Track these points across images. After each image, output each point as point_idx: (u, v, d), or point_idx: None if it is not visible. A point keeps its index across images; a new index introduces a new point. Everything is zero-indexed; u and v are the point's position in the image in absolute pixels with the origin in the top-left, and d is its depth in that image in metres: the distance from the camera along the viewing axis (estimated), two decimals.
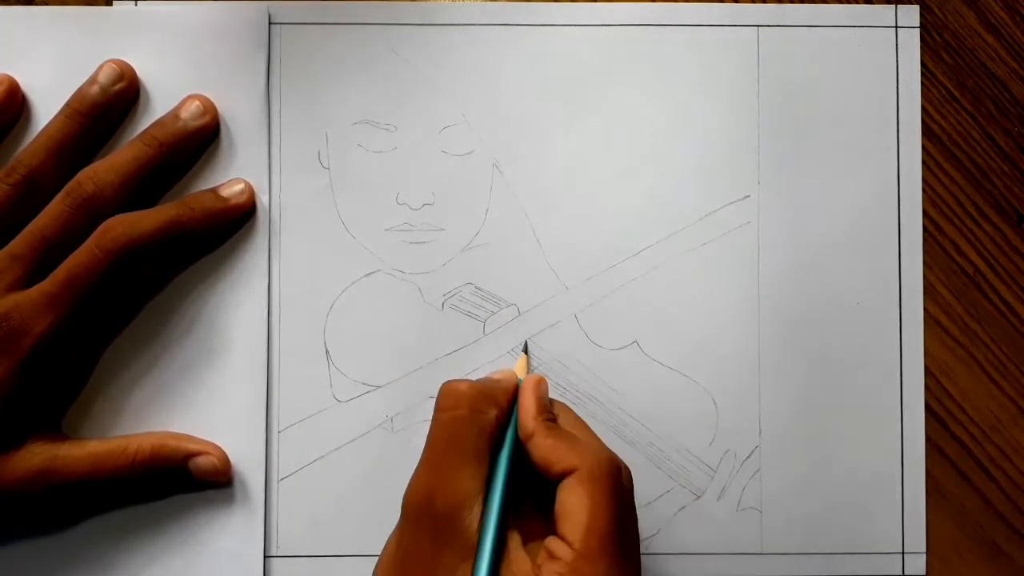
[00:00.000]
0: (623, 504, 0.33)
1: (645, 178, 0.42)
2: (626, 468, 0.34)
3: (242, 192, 0.41)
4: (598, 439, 0.36)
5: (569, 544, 0.32)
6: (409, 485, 0.34)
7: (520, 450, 0.34)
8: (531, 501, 0.35)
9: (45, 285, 0.38)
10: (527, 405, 0.35)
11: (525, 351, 0.40)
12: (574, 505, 0.32)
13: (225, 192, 0.41)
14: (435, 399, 0.35)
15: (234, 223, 0.41)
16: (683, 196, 0.42)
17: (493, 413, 0.35)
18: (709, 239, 0.42)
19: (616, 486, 0.33)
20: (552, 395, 0.41)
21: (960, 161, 0.43)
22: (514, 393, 0.36)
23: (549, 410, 0.36)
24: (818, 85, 0.42)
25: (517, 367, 0.38)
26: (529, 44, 0.42)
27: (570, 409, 0.37)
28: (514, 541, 0.33)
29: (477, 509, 0.33)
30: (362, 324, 0.42)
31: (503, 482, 0.34)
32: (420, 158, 0.42)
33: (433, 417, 0.35)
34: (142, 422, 0.41)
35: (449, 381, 0.35)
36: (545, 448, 0.34)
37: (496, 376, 0.37)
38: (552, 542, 0.32)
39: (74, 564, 0.40)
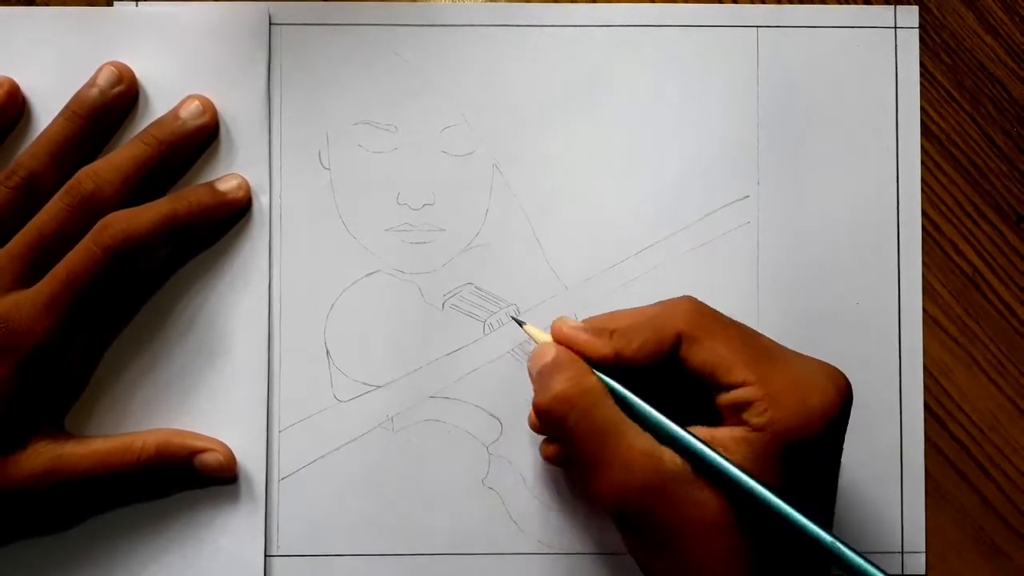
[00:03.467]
0: (731, 321, 0.35)
1: (645, 178, 0.42)
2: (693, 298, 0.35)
3: (238, 187, 0.41)
4: (642, 307, 0.36)
5: (743, 384, 0.33)
6: (603, 497, 0.33)
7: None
8: None
9: (44, 284, 0.38)
10: (585, 341, 0.35)
11: (520, 323, 0.39)
12: (711, 356, 0.33)
13: (222, 187, 0.41)
14: (540, 415, 0.35)
15: (231, 218, 0.41)
16: (683, 196, 0.42)
17: (592, 379, 0.34)
18: (709, 239, 0.42)
19: (715, 313, 0.35)
20: None
21: (959, 161, 0.43)
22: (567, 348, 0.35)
23: (599, 326, 0.35)
24: (818, 85, 0.42)
25: (535, 336, 0.37)
26: (529, 44, 0.42)
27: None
28: (704, 433, 0.33)
29: (666, 452, 0.33)
30: (362, 324, 0.42)
31: (650, 406, 0.34)
32: (420, 158, 0.42)
33: (561, 434, 0.34)
34: (143, 421, 0.41)
35: (536, 399, 0.35)
36: (639, 348, 0.34)
37: (545, 358, 0.36)
38: (728, 396, 0.33)
39: (75, 562, 0.40)
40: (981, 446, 0.42)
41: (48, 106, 0.41)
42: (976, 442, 0.42)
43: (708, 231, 0.42)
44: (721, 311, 0.36)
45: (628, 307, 0.40)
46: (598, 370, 0.35)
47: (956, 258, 0.43)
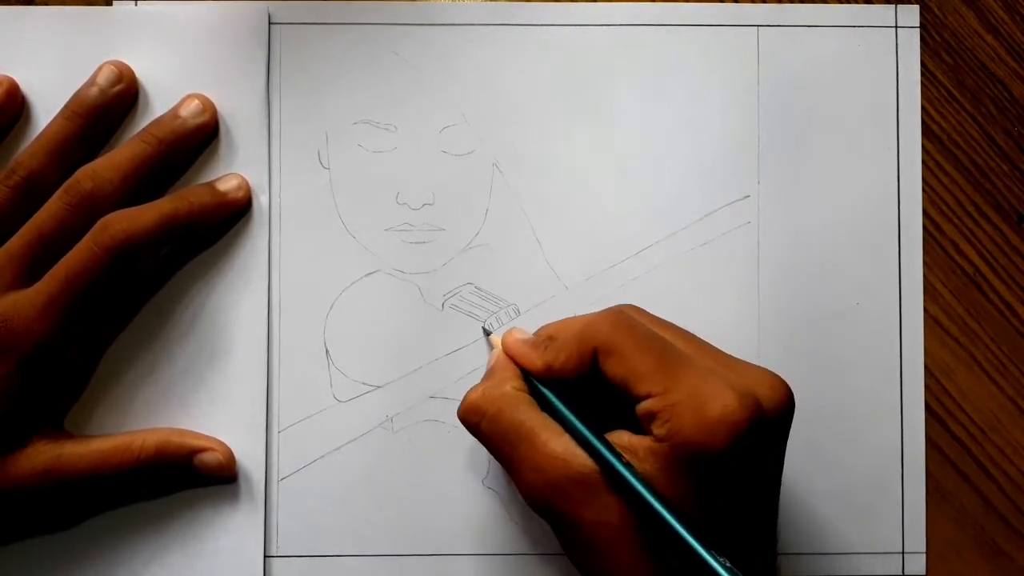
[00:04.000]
0: (646, 330, 0.35)
1: (645, 178, 0.42)
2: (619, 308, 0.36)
3: (239, 187, 0.41)
4: (587, 315, 0.37)
5: (647, 396, 0.33)
6: (522, 497, 0.34)
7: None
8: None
9: (44, 284, 0.37)
10: (520, 353, 0.36)
11: (487, 333, 0.41)
12: (619, 369, 0.34)
13: (222, 186, 0.40)
14: (462, 422, 0.36)
15: (231, 217, 0.41)
16: (683, 196, 0.42)
17: (508, 387, 0.36)
18: (709, 239, 0.42)
19: (631, 324, 0.35)
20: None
21: (960, 161, 0.43)
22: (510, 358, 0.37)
23: (542, 336, 0.37)
24: (818, 85, 0.42)
25: (493, 343, 0.39)
26: (529, 44, 0.42)
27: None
28: (623, 438, 0.34)
29: (579, 455, 0.33)
30: (362, 324, 0.42)
31: (569, 412, 0.35)
32: (420, 158, 0.42)
33: (477, 438, 0.36)
34: (143, 420, 0.41)
35: (460, 406, 0.36)
36: (564, 361, 0.35)
37: (490, 363, 0.38)
38: (638, 409, 0.33)
39: (74, 562, 0.40)
40: (982, 446, 0.42)
41: (48, 105, 0.41)
42: (977, 442, 0.42)
43: (708, 231, 0.42)
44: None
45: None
46: (538, 380, 0.36)
47: (957, 258, 0.42)
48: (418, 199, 0.42)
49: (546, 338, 0.36)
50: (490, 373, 0.37)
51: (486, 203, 0.42)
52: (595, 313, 0.36)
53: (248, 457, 0.41)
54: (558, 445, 0.34)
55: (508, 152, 0.42)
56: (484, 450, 0.41)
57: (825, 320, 0.42)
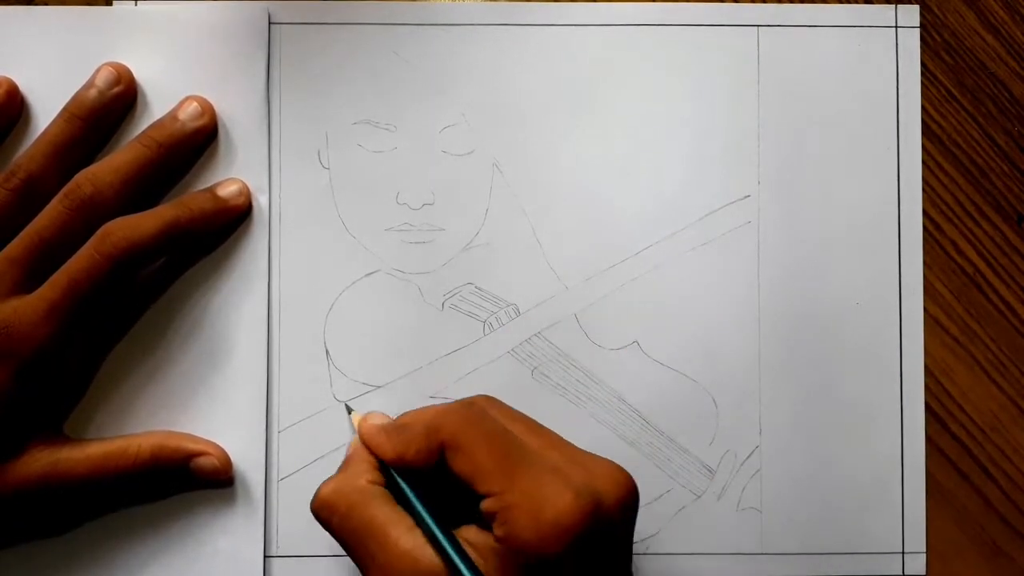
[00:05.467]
0: (494, 426, 0.34)
1: (645, 178, 0.42)
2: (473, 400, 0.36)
3: (239, 193, 0.41)
4: (441, 405, 0.36)
5: (488, 494, 0.32)
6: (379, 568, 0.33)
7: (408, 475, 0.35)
8: None
9: (45, 291, 0.37)
10: (375, 442, 0.36)
11: (348, 410, 0.41)
12: (464, 467, 0.33)
13: (222, 192, 0.40)
14: (316, 519, 0.35)
15: (232, 223, 0.41)
16: (683, 196, 0.42)
17: (362, 481, 0.35)
18: (709, 239, 0.42)
19: (478, 420, 0.34)
20: (552, 395, 0.41)
21: (960, 161, 0.43)
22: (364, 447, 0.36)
23: (399, 426, 0.36)
24: (818, 85, 0.42)
25: (353, 421, 0.39)
26: (529, 44, 0.42)
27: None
28: (470, 534, 0.33)
29: (426, 552, 0.33)
30: (362, 324, 0.42)
31: (418, 503, 0.34)
32: (420, 158, 0.42)
33: (332, 534, 0.35)
34: (143, 423, 0.41)
35: (315, 497, 0.35)
36: (415, 453, 0.35)
37: (349, 449, 0.37)
38: (482, 507, 0.33)
39: (73, 563, 0.40)
40: (982, 446, 0.42)
41: (47, 106, 0.41)
42: (977, 442, 0.42)
43: (708, 231, 0.42)
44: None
45: (628, 310, 0.40)
46: (393, 470, 0.35)
47: (957, 258, 0.42)
48: (418, 199, 0.42)
49: (399, 426, 0.36)
50: (346, 463, 0.36)
51: (486, 203, 0.42)
52: (447, 404, 0.36)
53: (248, 457, 0.41)
54: (407, 542, 0.33)
55: (508, 152, 0.42)
56: None
57: (825, 320, 0.42)
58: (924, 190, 0.42)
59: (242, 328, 0.41)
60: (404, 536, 0.33)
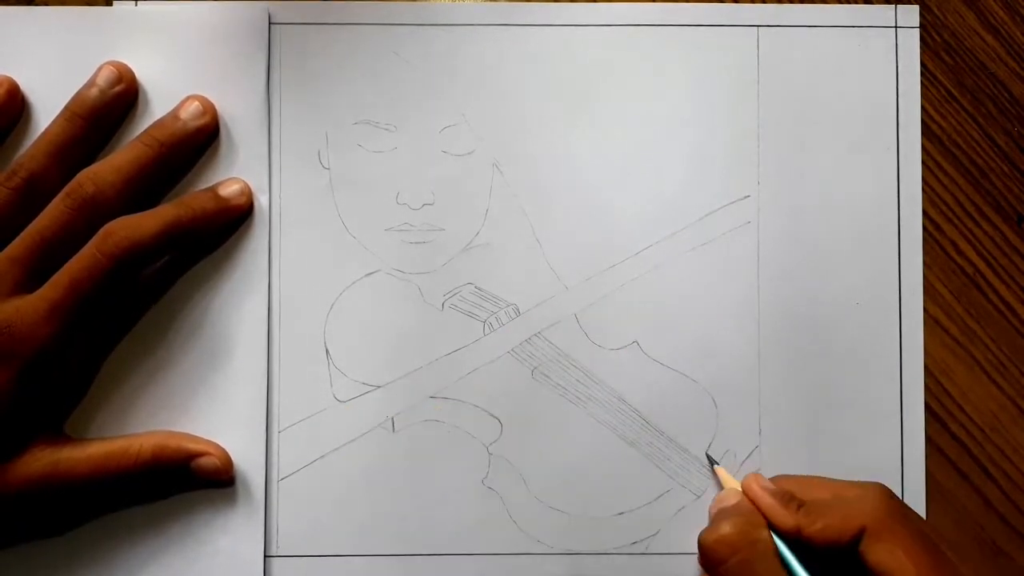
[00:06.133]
0: (921, 526, 0.34)
1: (645, 178, 0.42)
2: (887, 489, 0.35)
3: (241, 193, 0.41)
4: (839, 481, 0.37)
5: None
6: None
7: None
8: None
9: (47, 291, 0.37)
10: (770, 504, 0.36)
11: (712, 462, 0.41)
12: (890, 561, 0.33)
13: (224, 192, 0.40)
14: (703, 553, 0.35)
15: (233, 223, 0.41)
16: (683, 196, 0.42)
17: (765, 534, 0.35)
18: (709, 239, 0.42)
19: (906, 514, 0.34)
20: (552, 395, 0.41)
21: (960, 161, 0.43)
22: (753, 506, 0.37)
23: (788, 493, 0.36)
24: (818, 85, 0.42)
25: (724, 479, 0.39)
26: (529, 44, 0.42)
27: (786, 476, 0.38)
28: None
29: None
30: (362, 324, 0.42)
31: None
32: (420, 158, 0.42)
33: (720, 571, 0.35)
34: (143, 423, 0.41)
35: (705, 532, 0.36)
36: (821, 530, 0.34)
37: (727, 502, 0.38)
38: None
39: (74, 563, 0.40)
40: (982, 446, 0.42)
41: (48, 106, 0.41)
42: (977, 442, 0.42)
43: (708, 231, 0.42)
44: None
45: (628, 310, 0.40)
46: (786, 542, 0.35)
47: (957, 258, 0.42)
48: (418, 199, 0.42)
49: (791, 496, 0.36)
50: (735, 511, 0.36)
51: (486, 203, 0.42)
52: (857, 484, 0.36)
53: (248, 457, 0.41)
54: None
55: (508, 152, 0.42)
56: (484, 450, 0.41)
57: (825, 320, 0.42)
58: (924, 190, 0.42)
59: (242, 328, 0.41)
60: None
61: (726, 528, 0.35)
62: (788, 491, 0.37)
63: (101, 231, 0.38)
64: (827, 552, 0.35)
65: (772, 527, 0.36)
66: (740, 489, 0.38)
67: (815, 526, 0.35)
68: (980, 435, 0.42)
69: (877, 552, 0.33)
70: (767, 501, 0.36)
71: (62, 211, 0.38)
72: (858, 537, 0.34)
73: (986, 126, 0.43)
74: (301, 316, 0.41)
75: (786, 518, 0.35)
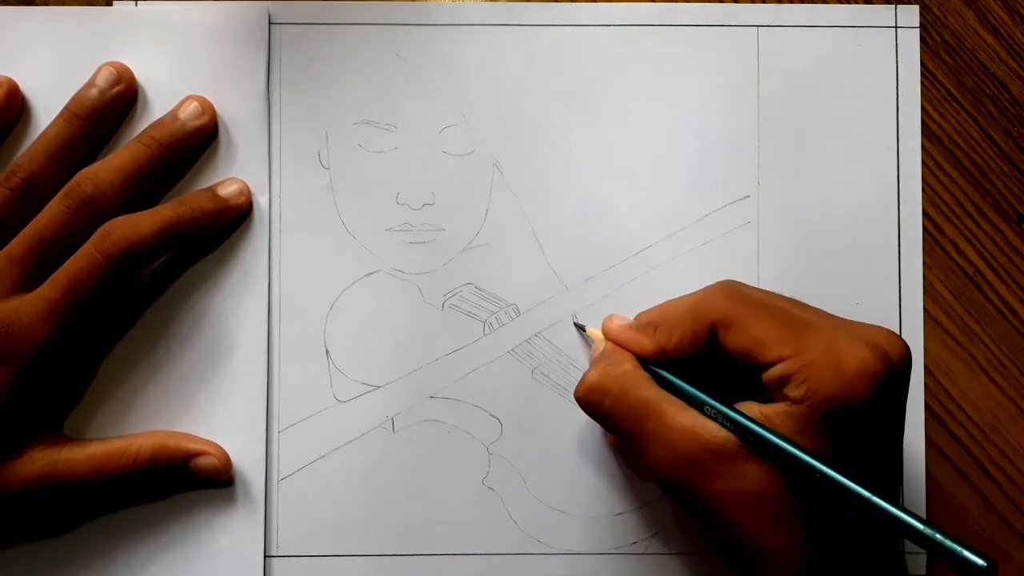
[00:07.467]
0: (763, 296, 0.36)
1: (645, 178, 0.42)
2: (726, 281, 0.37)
3: (240, 193, 0.41)
4: (690, 294, 0.37)
5: (777, 360, 0.33)
6: (649, 473, 0.35)
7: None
8: None
9: (45, 290, 0.37)
10: (628, 338, 0.37)
11: (581, 328, 0.41)
12: (744, 340, 0.34)
13: (223, 192, 0.40)
14: (579, 404, 0.37)
15: (232, 223, 0.41)
16: (683, 196, 0.42)
17: (628, 365, 0.36)
18: (709, 239, 0.42)
19: (744, 294, 0.35)
20: (552, 395, 0.41)
21: (960, 161, 0.43)
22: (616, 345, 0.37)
23: (645, 322, 0.37)
24: (818, 85, 0.42)
25: (592, 337, 0.40)
26: (529, 44, 0.42)
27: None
28: (752, 409, 0.34)
29: (708, 426, 0.34)
30: (362, 324, 0.42)
31: (695, 388, 0.35)
32: (420, 158, 0.42)
33: (599, 418, 0.36)
34: (143, 422, 0.41)
35: (576, 388, 0.37)
36: (677, 342, 0.36)
37: (595, 352, 0.38)
38: (767, 375, 0.34)
39: (73, 563, 0.40)
40: (982, 446, 0.42)
41: (48, 106, 0.41)
42: (977, 442, 0.42)
43: (708, 231, 0.42)
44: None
45: (628, 310, 0.40)
46: (648, 362, 0.36)
47: (957, 258, 0.42)
48: (418, 199, 0.42)
49: (650, 323, 0.37)
50: (602, 356, 0.37)
51: (486, 203, 0.42)
52: (701, 291, 0.37)
53: (248, 457, 0.41)
54: (686, 419, 0.34)
55: (508, 152, 0.42)
56: (484, 450, 0.41)
57: None
58: (924, 190, 0.42)
59: (242, 328, 0.41)
60: (681, 414, 0.34)
61: (591, 375, 0.36)
62: (644, 320, 0.37)
63: (99, 230, 0.38)
64: (701, 358, 0.35)
65: (639, 359, 0.36)
66: (602, 337, 0.38)
67: (673, 340, 0.36)
68: (980, 435, 0.42)
69: (734, 338, 0.34)
70: (626, 335, 0.37)
71: (61, 211, 0.38)
72: (713, 333, 0.35)
73: (986, 126, 0.43)
74: (301, 316, 0.41)
75: (645, 344, 0.36)
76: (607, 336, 0.38)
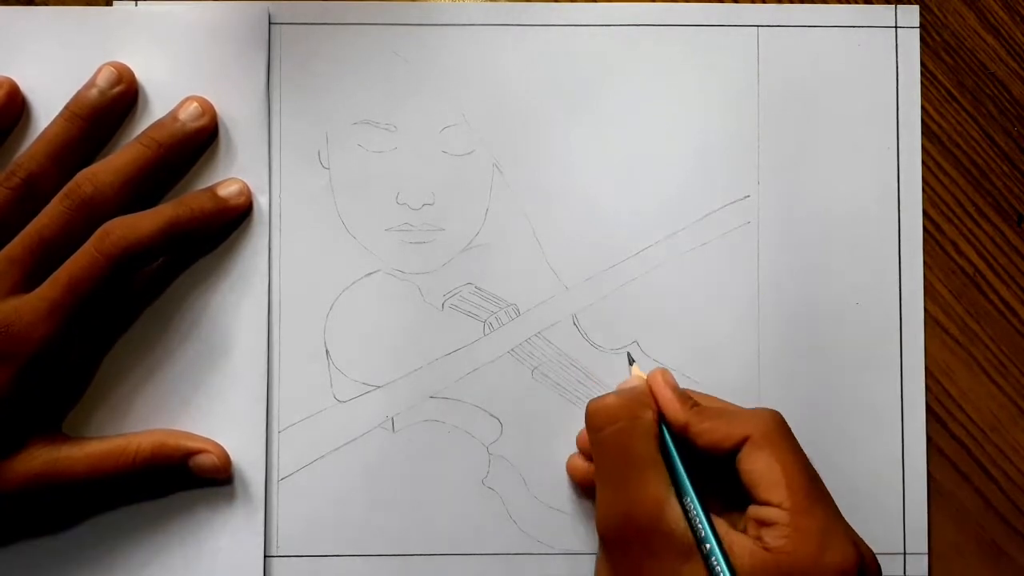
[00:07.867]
0: (801, 450, 0.35)
1: (645, 178, 0.42)
2: (780, 414, 0.36)
3: (239, 193, 0.41)
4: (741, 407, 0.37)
5: (778, 506, 0.33)
6: (599, 513, 0.35)
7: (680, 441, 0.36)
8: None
9: (45, 290, 0.37)
10: (667, 397, 0.37)
11: (631, 360, 0.41)
12: (765, 469, 0.34)
13: (223, 192, 0.40)
14: (586, 420, 0.37)
15: (232, 223, 0.41)
16: (683, 196, 0.42)
17: (649, 414, 0.36)
18: (709, 239, 0.42)
19: (790, 436, 0.35)
20: (552, 395, 0.41)
21: (960, 161, 0.43)
22: (650, 393, 0.37)
23: (688, 395, 0.37)
24: (818, 85, 0.42)
25: (634, 373, 0.40)
26: (529, 44, 0.42)
27: (696, 392, 0.39)
28: (721, 526, 0.34)
29: (675, 510, 0.34)
30: (362, 324, 0.42)
31: (687, 475, 0.35)
32: (420, 158, 0.42)
33: (593, 440, 0.36)
34: (143, 422, 0.41)
35: (593, 400, 0.37)
36: (707, 429, 0.36)
37: (626, 385, 0.39)
38: (758, 510, 0.34)
39: (73, 563, 0.40)
40: (983, 446, 0.42)
41: (48, 106, 0.41)
42: (977, 443, 0.42)
43: (708, 231, 0.42)
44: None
45: (627, 310, 0.40)
46: (670, 432, 0.36)
47: (957, 258, 0.42)
48: (418, 199, 0.42)
49: (689, 397, 0.37)
50: (632, 391, 0.37)
51: (486, 203, 0.42)
52: (755, 408, 0.37)
53: (248, 457, 0.41)
54: (660, 490, 0.34)
55: (508, 152, 0.42)
56: (484, 450, 0.41)
57: (825, 320, 0.42)
58: (924, 190, 0.42)
59: (242, 328, 0.41)
60: (660, 486, 0.34)
61: (612, 399, 0.36)
62: (692, 394, 0.38)
63: (99, 230, 0.38)
64: (706, 455, 0.36)
65: (662, 418, 0.36)
66: (644, 378, 0.38)
67: (702, 425, 0.36)
68: (980, 435, 0.42)
69: (752, 459, 0.35)
70: (666, 394, 0.37)
71: (60, 211, 0.38)
72: (739, 447, 0.35)
73: (986, 126, 0.43)
74: (301, 316, 0.41)
75: (678, 412, 0.36)
76: (650, 381, 0.38)
